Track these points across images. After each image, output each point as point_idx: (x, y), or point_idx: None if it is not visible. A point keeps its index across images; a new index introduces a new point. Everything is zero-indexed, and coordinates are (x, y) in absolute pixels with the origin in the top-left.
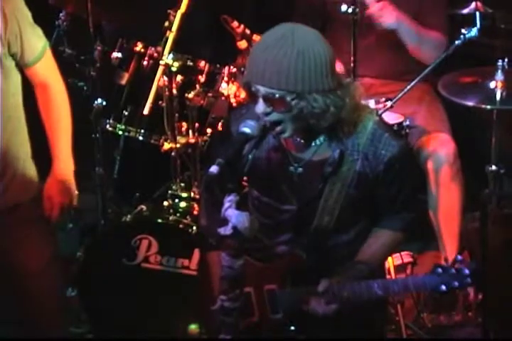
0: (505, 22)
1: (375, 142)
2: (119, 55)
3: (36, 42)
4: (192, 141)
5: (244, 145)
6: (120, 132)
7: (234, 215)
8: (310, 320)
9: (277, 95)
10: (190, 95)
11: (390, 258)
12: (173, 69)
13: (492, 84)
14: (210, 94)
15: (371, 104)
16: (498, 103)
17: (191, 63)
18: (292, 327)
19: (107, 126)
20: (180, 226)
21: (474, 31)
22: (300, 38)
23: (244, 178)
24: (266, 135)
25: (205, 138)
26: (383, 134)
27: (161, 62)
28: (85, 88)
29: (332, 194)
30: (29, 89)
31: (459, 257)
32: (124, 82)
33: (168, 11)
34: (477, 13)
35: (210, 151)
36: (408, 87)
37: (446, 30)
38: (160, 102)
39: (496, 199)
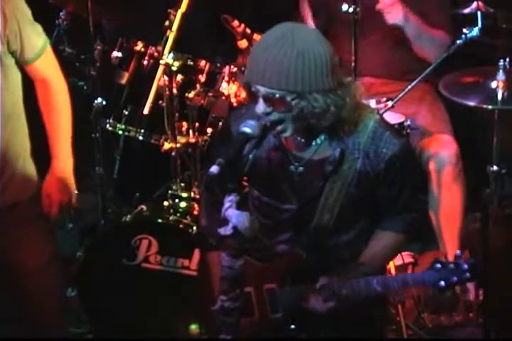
0: (507, 21)
1: (376, 140)
2: (119, 54)
3: (36, 40)
4: (192, 140)
5: (244, 145)
6: (120, 132)
7: (234, 215)
8: (310, 319)
9: (277, 95)
10: (191, 95)
11: None
12: (174, 68)
13: (493, 84)
14: (210, 94)
15: (372, 103)
16: (499, 103)
17: (191, 63)
18: (292, 326)
19: (107, 125)
20: (181, 226)
21: (475, 31)
22: (300, 38)
23: (245, 178)
24: (266, 134)
25: (205, 137)
26: (384, 133)
27: (162, 61)
28: (85, 87)
29: (332, 192)
30: (29, 88)
31: (458, 252)
32: (124, 81)
33: (169, 10)
34: (478, 13)
35: (211, 151)
36: (409, 87)
37: (450, 29)
38: (160, 102)
39: (497, 200)
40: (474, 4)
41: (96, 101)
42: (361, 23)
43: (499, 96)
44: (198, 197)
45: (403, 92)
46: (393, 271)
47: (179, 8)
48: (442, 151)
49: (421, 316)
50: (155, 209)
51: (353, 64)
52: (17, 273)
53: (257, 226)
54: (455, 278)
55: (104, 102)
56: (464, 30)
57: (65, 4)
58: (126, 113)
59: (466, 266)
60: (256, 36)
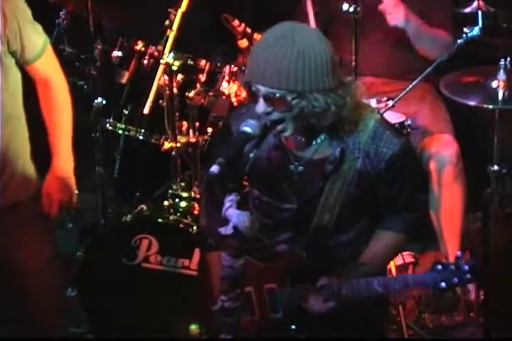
0: (508, 21)
1: (377, 140)
2: (120, 53)
3: (36, 40)
4: (192, 140)
5: (245, 145)
6: (120, 131)
7: (235, 215)
8: (310, 319)
9: (278, 95)
10: (191, 94)
11: None
12: (174, 68)
13: (494, 84)
14: (210, 93)
15: (373, 103)
16: (500, 102)
17: (192, 62)
18: (293, 327)
19: (107, 125)
20: (181, 226)
21: (476, 30)
22: (300, 37)
23: (245, 178)
24: (267, 134)
25: (205, 137)
26: (384, 132)
27: (162, 61)
28: (85, 87)
29: (332, 192)
30: (29, 88)
31: (459, 253)
32: (124, 80)
33: (169, 9)
34: (479, 12)
35: (211, 151)
36: (410, 87)
37: (452, 28)
38: (160, 101)
39: (497, 199)
40: (475, 3)
41: (96, 101)
42: (362, 22)
43: (500, 96)
44: (198, 196)
45: (404, 92)
46: (394, 271)
47: (179, 7)
48: (443, 151)
49: (422, 316)
50: (155, 208)
51: (353, 63)
52: (17, 273)
53: (258, 226)
54: (456, 280)
55: (104, 102)
56: (465, 30)
57: (65, 3)
58: (127, 112)
59: (466, 268)
60: (256, 35)
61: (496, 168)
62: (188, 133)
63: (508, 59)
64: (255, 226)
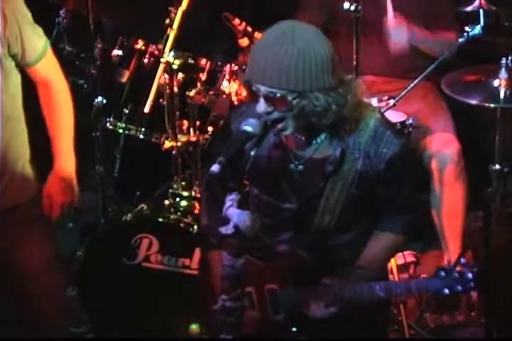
0: (509, 19)
1: (377, 140)
2: (120, 52)
3: (37, 42)
4: (193, 139)
5: (245, 144)
6: (120, 130)
7: (235, 214)
8: (312, 321)
9: (278, 94)
10: (192, 93)
11: (392, 258)
12: (174, 67)
13: (496, 83)
14: (211, 92)
15: (374, 102)
16: (501, 101)
17: (192, 61)
18: (294, 328)
19: (108, 124)
20: (181, 225)
21: (478, 29)
22: (300, 36)
23: (245, 176)
24: (267, 132)
25: (206, 136)
26: (385, 132)
27: (162, 59)
28: (85, 86)
29: (333, 193)
30: (29, 90)
31: (463, 260)
32: (124, 79)
33: (169, 8)
34: (481, 11)
35: (211, 150)
36: (411, 85)
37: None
38: (161, 100)
39: (499, 198)
40: (476, 2)
41: (96, 100)
42: (363, 21)
43: (501, 95)
44: (198, 196)
45: (405, 91)
46: (395, 271)
47: (180, 6)
48: (444, 150)
49: (423, 316)
50: (155, 208)
51: (354, 62)
52: (17, 275)
53: (258, 225)
54: (459, 287)
55: (104, 101)
56: (466, 29)
57: (65, 2)
58: (127, 111)
59: (470, 275)
60: (257, 34)
61: (497, 167)
62: (188, 132)
63: (510, 57)
64: (256, 226)
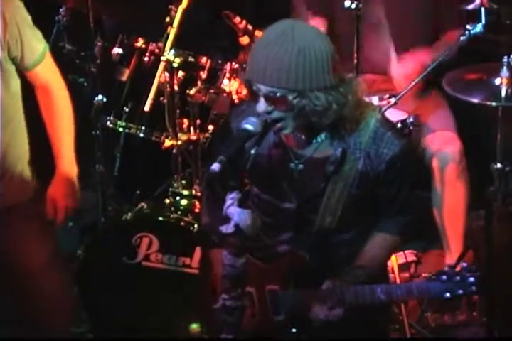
0: (511, 18)
1: (378, 140)
2: (120, 50)
3: (36, 45)
4: (193, 137)
5: (246, 142)
6: (121, 129)
7: (236, 213)
8: (312, 323)
9: (279, 94)
10: (192, 91)
11: (393, 257)
12: (175, 65)
13: (497, 81)
14: (211, 91)
15: (375, 100)
16: (503, 100)
17: (193, 59)
18: (294, 330)
19: (108, 122)
20: (182, 224)
21: (479, 27)
22: (300, 35)
23: (246, 175)
24: (267, 131)
25: (206, 135)
26: (386, 133)
27: (162, 58)
28: (85, 84)
29: (334, 193)
30: (29, 92)
31: (465, 264)
32: (124, 78)
33: (170, 6)
34: (482, 9)
35: (212, 148)
36: (412, 84)
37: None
38: (161, 99)
39: (501, 197)
40: (478, 0)
41: (96, 98)
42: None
43: (503, 93)
44: (199, 194)
45: (406, 89)
46: (396, 270)
47: (180, 4)
48: (446, 148)
49: (424, 315)
50: (156, 207)
51: (355, 61)
52: (17, 274)
53: (259, 224)
54: (461, 291)
55: (104, 99)
56: (468, 27)
57: (64, 0)
58: (127, 110)
59: (472, 279)
60: (258, 33)
61: (499, 165)
62: (188, 131)
63: (511, 56)
64: (257, 225)
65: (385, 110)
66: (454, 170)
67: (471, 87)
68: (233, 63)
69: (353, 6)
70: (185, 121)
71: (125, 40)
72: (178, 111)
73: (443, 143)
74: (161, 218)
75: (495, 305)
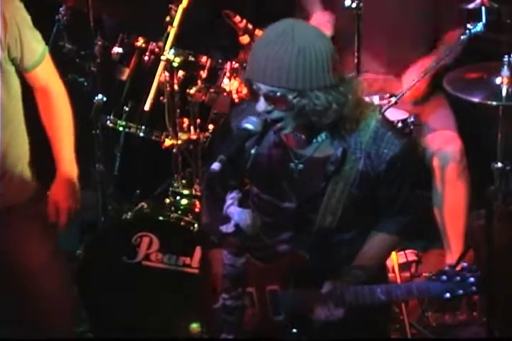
0: (511, 17)
1: (378, 141)
2: (120, 50)
3: (36, 46)
4: (193, 137)
5: (246, 142)
6: (121, 128)
7: (236, 213)
8: (312, 323)
9: (279, 93)
10: (192, 91)
11: (394, 257)
12: (175, 64)
13: (498, 80)
14: (212, 90)
15: (375, 100)
16: (504, 99)
17: (193, 58)
18: (294, 330)
19: (108, 122)
20: (182, 223)
21: (480, 26)
22: (300, 34)
23: (246, 175)
24: (267, 131)
25: (206, 134)
26: (386, 133)
27: (163, 57)
28: (85, 84)
29: (335, 193)
30: (28, 93)
31: (465, 264)
32: (124, 77)
33: (170, 5)
34: (483, 8)
35: (212, 148)
36: (413, 83)
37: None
38: (161, 98)
39: (501, 196)
40: None
41: (96, 98)
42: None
43: (503, 92)
44: (199, 194)
45: (407, 89)
46: (397, 269)
47: (180, 3)
48: (446, 148)
49: (425, 315)
50: (156, 206)
51: (355, 60)
52: (17, 274)
53: (259, 224)
54: (461, 291)
55: (104, 98)
56: (468, 26)
57: None
58: (127, 109)
59: (472, 280)
60: (258, 32)
61: (499, 165)
62: (189, 130)
63: None
64: (257, 224)
65: (386, 110)
66: (455, 169)
67: (472, 86)
68: (233, 62)
69: (354, 5)
70: (186, 121)
71: (125, 40)
72: (178, 110)
73: (443, 143)
74: (161, 217)
75: (495, 304)
